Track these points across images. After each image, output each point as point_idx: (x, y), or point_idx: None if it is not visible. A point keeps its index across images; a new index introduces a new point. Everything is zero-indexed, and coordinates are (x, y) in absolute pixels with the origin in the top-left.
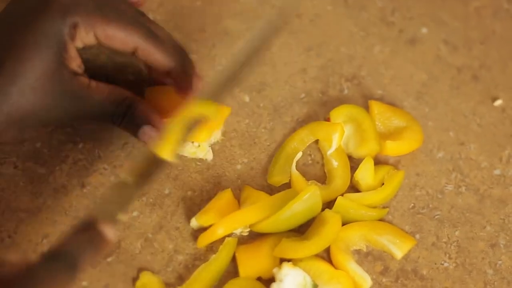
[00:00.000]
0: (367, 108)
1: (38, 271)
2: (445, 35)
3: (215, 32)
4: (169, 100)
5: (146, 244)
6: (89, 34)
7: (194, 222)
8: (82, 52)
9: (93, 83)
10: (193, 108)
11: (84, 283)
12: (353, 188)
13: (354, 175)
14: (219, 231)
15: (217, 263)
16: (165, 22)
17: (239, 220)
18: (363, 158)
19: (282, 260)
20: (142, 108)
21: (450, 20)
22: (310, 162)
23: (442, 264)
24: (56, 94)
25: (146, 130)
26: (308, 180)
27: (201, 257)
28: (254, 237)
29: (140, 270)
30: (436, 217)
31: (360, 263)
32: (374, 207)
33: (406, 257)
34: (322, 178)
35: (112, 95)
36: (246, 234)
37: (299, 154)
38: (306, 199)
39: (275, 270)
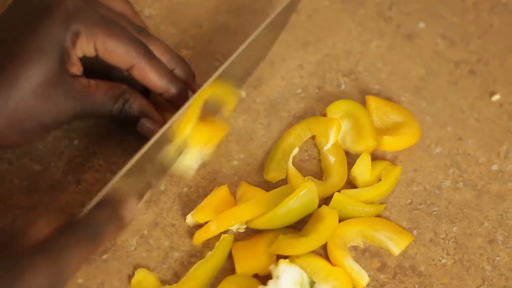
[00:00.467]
0: (364, 103)
1: (62, 237)
2: (442, 30)
3: (212, 27)
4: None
5: (142, 241)
6: (90, 44)
7: (190, 219)
8: None
9: (92, 82)
10: (210, 90)
11: (80, 280)
12: (350, 184)
13: (351, 171)
14: (215, 228)
15: (213, 260)
16: (161, 18)
17: (235, 217)
18: (360, 154)
19: (278, 257)
20: (140, 101)
21: (447, 15)
22: (306, 157)
23: (440, 261)
24: (58, 98)
25: (145, 122)
26: (304, 176)
27: (197, 254)
28: (250, 233)
29: (136, 267)
30: (434, 213)
31: (357, 259)
32: (371, 203)
33: (403, 253)
34: (319, 174)
35: (110, 90)
36: (242, 230)
37: (296, 150)
38: (303, 195)
39: (271, 267)
